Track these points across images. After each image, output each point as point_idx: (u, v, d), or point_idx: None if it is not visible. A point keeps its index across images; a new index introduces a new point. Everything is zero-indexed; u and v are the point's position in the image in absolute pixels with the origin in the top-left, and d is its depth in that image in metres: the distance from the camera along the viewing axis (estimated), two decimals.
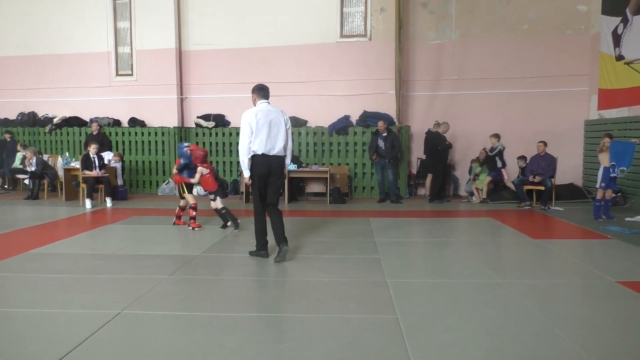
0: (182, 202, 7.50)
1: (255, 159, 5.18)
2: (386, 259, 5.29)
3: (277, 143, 5.22)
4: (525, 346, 3.05)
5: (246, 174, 5.26)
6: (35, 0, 12.82)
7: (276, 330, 3.32)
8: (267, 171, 5.20)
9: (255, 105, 5.34)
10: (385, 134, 10.41)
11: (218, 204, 7.24)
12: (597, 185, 7.95)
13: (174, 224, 7.46)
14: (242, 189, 10.58)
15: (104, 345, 3.07)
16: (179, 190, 7.52)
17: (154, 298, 4.00)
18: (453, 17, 11.29)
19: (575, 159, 10.98)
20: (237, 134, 11.81)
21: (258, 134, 5.11)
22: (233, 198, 11.22)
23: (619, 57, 9.69)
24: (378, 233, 6.81)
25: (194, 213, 7.16)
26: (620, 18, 9.68)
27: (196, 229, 7.07)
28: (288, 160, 5.48)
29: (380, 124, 10.43)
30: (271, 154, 5.19)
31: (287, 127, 5.32)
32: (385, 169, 10.41)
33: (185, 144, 7.43)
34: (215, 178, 7.31)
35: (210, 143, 12.16)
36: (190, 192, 7.35)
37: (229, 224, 7.15)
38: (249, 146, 5.15)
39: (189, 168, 7.23)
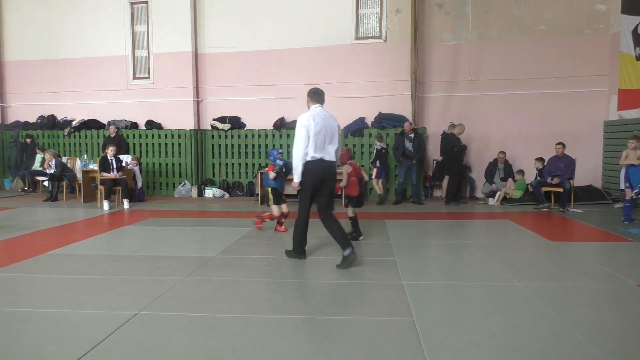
0: (285, 208, 7.05)
1: (310, 165, 5.03)
2: (402, 261, 5.25)
3: (331, 148, 5.13)
4: (544, 350, 3.00)
5: (297, 178, 5.10)
6: (53, 5, 13.04)
7: (291, 332, 3.31)
8: (322, 177, 5.09)
9: (309, 109, 5.26)
10: (412, 135, 10.35)
11: (349, 212, 6.55)
12: (621, 186, 7.79)
13: (275, 230, 7.07)
14: (258, 191, 10.60)
15: (121, 346, 3.09)
16: (268, 198, 7.11)
17: (170, 299, 4.02)
18: (469, 18, 11.21)
19: (594, 160, 10.81)
20: (252, 136, 12.02)
21: (315, 138, 5.00)
22: (248, 200, 11.27)
23: (639, 57, 9.53)
24: (394, 235, 6.77)
25: (270, 220, 7.01)
26: None
27: (257, 229, 6.99)
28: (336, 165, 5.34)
29: (407, 125, 10.39)
30: (327, 159, 5.09)
31: (339, 133, 5.26)
32: (411, 171, 10.34)
33: (278, 150, 7.11)
34: (359, 183, 6.51)
35: (226, 145, 12.23)
36: (277, 202, 6.94)
37: (360, 238, 6.42)
38: (305, 151, 5.01)
39: (279, 176, 6.88)
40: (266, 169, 7.04)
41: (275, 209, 6.93)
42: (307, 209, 5.21)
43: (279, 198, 6.97)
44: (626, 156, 7.75)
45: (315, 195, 5.15)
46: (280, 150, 7.16)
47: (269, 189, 6.95)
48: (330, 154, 5.13)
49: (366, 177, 6.95)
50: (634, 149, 7.66)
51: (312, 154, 5.02)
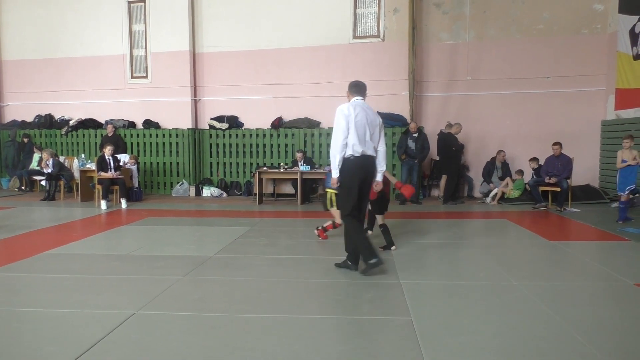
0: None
1: (352, 161, 4.63)
2: (400, 260, 5.26)
3: (371, 143, 4.71)
4: (542, 349, 3.01)
5: (335, 173, 4.70)
6: (51, 5, 13.02)
7: (289, 332, 3.31)
8: (364, 174, 4.71)
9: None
10: (416, 135, 10.35)
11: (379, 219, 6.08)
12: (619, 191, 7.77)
13: (317, 234, 6.51)
14: (256, 190, 10.60)
15: (118, 346, 3.09)
16: (326, 202, 6.31)
17: (168, 299, 4.01)
18: (467, 17, 11.22)
19: (591, 160, 10.84)
20: (250, 135, 12.02)
21: (356, 130, 4.60)
22: (246, 199, 11.27)
23: (637, 57, 9.56)
24: (392, 234, 6.76)
25: (332, 228, 6.35)
26: (638, 17, 9.54)
27: (321, 238, 6.38)
28: (382, 165, 4.92)
29: (413, 125, 10.38)
30: (368, 153, 4.70)
31: (381, 127, 4.87)
32: (412, 170, 10.34)
33: None
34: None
35: (224, 144, 12.23)
36: (379, 211, 6.10)
37: (393, 247, 5.84)
38: (344, 142, 4.60)
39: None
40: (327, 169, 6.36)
41: (338, 214, 6.01)
42: (350, 209, 4.72)
43: (382, 206, 6.11)
44: (622, 159, 7.74)
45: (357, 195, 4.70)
46: None
47: (332, 191, 6.10)
48: (371, 149, 4.72)
49: (393, 180, 6.32)
50: (628, 148, 7.67)
51: (353, 148, 4.61)
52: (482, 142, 11.30)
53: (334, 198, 6.04)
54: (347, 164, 4.66)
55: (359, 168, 4.67)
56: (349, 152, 4.64)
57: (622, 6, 10.10)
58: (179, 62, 12.19)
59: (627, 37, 9.84)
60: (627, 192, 7.55)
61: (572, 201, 9.39)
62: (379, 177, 4.93)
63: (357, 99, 4.88)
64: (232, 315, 3.63)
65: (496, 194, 10.18)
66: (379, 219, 6.05)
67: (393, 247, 5.79)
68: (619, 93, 10.26)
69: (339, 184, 4.75)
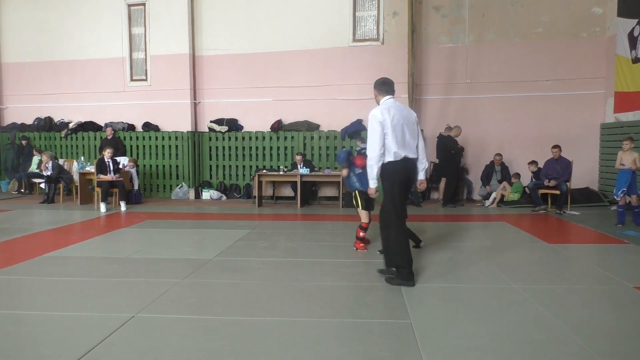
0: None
1: (392, 165, 4.39)
2: None
3: (411, 144, 4.47)
4: (541, 353, 3.00)
5: (373, 184, 4.47)
6: (51, 8, 13.02)
7: (288, 335, 3.30)
8: (407, 177, 4.48)
9: (379, 104, 4.58)
10: None
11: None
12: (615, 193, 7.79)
13: (355, 247, 6.02)
14: (255, 193, 10.60)
15: (117, 349, 3.08)
16: (352, 201, 6.13)
17: (167, 302, 4.01)
18: (466, 20, 11.24)
19: (590, 163, 10.84)
20: (250, 138, 12.02)
21: (394, 135, 4.35)
22: (246, 202, 11.26)
23: (636, 60, 9.57)
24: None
25: (362, 234, 6.00)
26: (636, 20, 9.55)
27: (359, 250, 5.94)
28: (424, 165, 4.68)
29: None
30: (410, 156, 4.45)
31: (417, 124, 4.62)
32: None
33: (348, 151, 6.38)
34: None
35: (223, 147, 12.22)
36: (367, 208, 5.99)
37: (421, 244, 5.96)
38: (380, 151, 4.35)
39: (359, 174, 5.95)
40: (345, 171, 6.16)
41: (364, 215, 5.98)
42: (395, 216, 4.45)
43: (369, 202, 5.96)
44: (621, 160, 7.75)
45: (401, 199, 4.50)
46: (350, 150, 6.40)
47: (356, 193, 5.98)
48: (412, 151, 4.49)
49: None
50: (628, 150, 7.67)
51: (393, 152, 4.36)
52: (481, 145, 11.31)
53: (359, 199, 5.94)
54: (388, 168, 4.42)
55: (401, 172, 4.43)
56: (388, 158, 4.40)
57: (620, 9, 10.13)
58: (178, 65, 12.20)
59: (626, 40, 9.85)
60: (620, 196, 7.57)
61: (571, 204, 9.39)
62: (421, 176, 4.71)
63: (387, 99, 4.57)
64: (231, 318, 3.63)
65: (495, 197, 10.18)
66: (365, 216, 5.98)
67: (422, 244, 5.99)
68: (618, 96, 10.28)
69: (377, 193, 4.55)
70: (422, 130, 4.95)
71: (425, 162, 4.73)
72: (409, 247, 4.54)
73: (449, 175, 10.31)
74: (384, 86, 4.65)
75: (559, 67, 10.92)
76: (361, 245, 5.98)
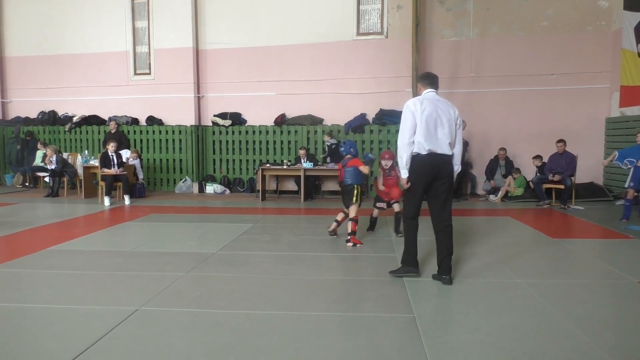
0: (339, 215, 6.30)
1: (417, 159, 4.29)
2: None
3: (443, 139, 4.30)
4: (545, 348, 3.00)
5: (404, 174, 4.36)
6: (55, 2, 13.02)
7: (292, 329, 3.31)
8: (433, 173, 4.30)
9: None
10: None
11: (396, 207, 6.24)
12: (626, 185, 7.76)
13: (353, 244, 5.93)
14: (259, 187, 10.60)
15: (121, 343, 3.09)
16: (356, 196, 5.99)
17: (171, 295, 4.02)
18: (470, 14, 11.17)
19: (595, 157, 10.77)
20: (253, 132, 12.01)
21: (424, 126, 4.25)
22: (249, 196, 11.27)
23: None
24: (391, 230, 6.76)
25: (356, 227, 5.98)
26: None
27: (358, 245, 5.90)
28: (457, 164, 4.47)
29: None
30: (438, 152, 4.28)
31: (458, 123, 4.41)
32: None
33: (351, 142, 6.25)
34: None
35: (227, 141, 12.23)
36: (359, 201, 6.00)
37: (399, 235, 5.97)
38: (410, 140, 4.26)
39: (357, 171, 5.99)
40: (344, 165, 6.10)
41: (354, 209, 5.96)
42: (412, 211, 4.43)
43: (360, 196, 6.01)
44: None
45: (425, 196, 4.42)
46: (353, 142, 6.32)
47: (358, 187, 5.97)
48: (442, 146, 4.29)
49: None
50: None
51: (419, 145, 4.27)
52: (485, 139, 11.26)
53: (359, 193, 5.94)
54: (414, 162, 4.32)
55: (424, 167, 4.28)
56: (415, 150, 4.29)
57: (626, 3, 10.04)
58: (182, 59, 12.18)
59: (632, 34, 9.78)
60: (628, 165, 7.60)
61: (575, 199, 9.35)
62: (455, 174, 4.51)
63: (428, 92, 4.51)
64: (235, 312, 3.63)
65: (501, 192, 10.15)
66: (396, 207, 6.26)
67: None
68: (623, 90, 10.21)
69: (409, 184, 4.38)
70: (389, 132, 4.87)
71: (459, 165, 4.50)
72: (415, 242, 4.49)
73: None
74: (426, 79, 4.64)
75: (564, 61, 10.85)
76: (357, 239, 5.95)
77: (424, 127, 4.25)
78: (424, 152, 4.27)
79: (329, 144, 10.79)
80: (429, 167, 4.28)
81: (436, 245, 4.45)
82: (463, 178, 10.77)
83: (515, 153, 10.91)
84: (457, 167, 4.46)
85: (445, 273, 4.33)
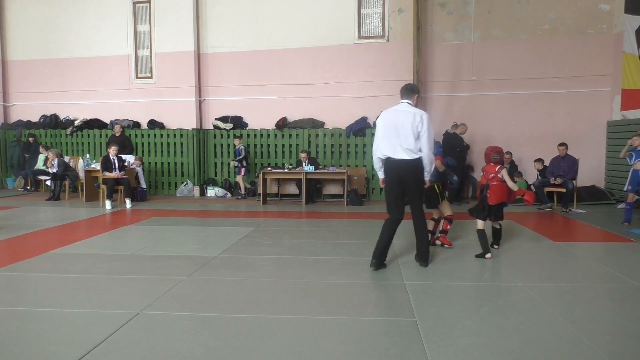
0: (435, 213, 6.09)
1: (384, 163, 4.93)
2: (404, 261, 5.24)
3: (399, 145, 4.76)
4: (547, 352, 2.99)
5: (379, 174, 5.06)
6: (57, 5, 13.07)
7: (293, 333, 3.30)
8: (397, 175, 4.83)
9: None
10: None
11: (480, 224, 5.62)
12: (625, 188, 7.75)
13: (442, 244, 5.97)
14: (260, 190, 10.60)
15: (122, 346, 3.09)
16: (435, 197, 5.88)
17: (172, 299, 4.01)
18: (472, 17, 11.19)
19: (597, 161, 10.79)
20: (255, 135, 12.02)
21: (380, 134, 4.90)
22: (250, 200, 11.27)
23: None
24: (396, 235, 6.73)
25: (449, 226, 5.92)
26: None
27: (446, 245, 5.92)
28: (425, 165, 4.84)
29: None
30: (396, 157, 4.80)
31: (419, 129, 4.73)
32: None
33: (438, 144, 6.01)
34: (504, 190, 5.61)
35: (228, 145, 12.23)
36: (445, 198, 5.92)
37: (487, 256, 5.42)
38: (375, 146, 4.98)
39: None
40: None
41: (447, 207, 5.90)
42: (390, 212, 5.00)
43: (442, 194, 5.91)
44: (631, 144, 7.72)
45: (396, 196, 4.90)
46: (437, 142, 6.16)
47: (436, 185, 5.82)
48: (399, 152, 4.78)
49: (511, 185, 5.69)
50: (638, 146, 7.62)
51: (380, 151, 4.92)
52: (487, 142, 11.20)
53: (437, 191, 5.82)
54: (384, 166, 4.97)
55: (391, 170, 4.88)
56: (380, 156, 4.95)
57: (628, 6, 10.05)
58: (183, 63, 12.21)
59: (633, 37, 9.78)
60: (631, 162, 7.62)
61: (577, 202, 9.34)
62: (425, 177, 4.94)
63: (400, 103, 5.01)
64: (236, 315, 3.63)
65: None
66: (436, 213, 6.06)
67: (487, 256, 5.42)
68: (624, 93, 10.21)
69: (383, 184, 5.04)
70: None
71: (428, 164, 4.87)
72: (385, 237, 4.95)
73: (454, 172, 10.24)
74: (401, 91, 5.08)
75: (565, 64, 10.86)
76: (447, 240, 5.95)
77: (382, 135, 4.88)
78: (383, 158, 4.92)
79: (241, 148, 11.37)
80: (391, 169, 4.86)
81: (415, 234, 5.12)
82: (464, 181, 10.76)
83: (517, 156, 10.90)
84: (425, 167, 4.86)
85: (421, 260, 5.06)
